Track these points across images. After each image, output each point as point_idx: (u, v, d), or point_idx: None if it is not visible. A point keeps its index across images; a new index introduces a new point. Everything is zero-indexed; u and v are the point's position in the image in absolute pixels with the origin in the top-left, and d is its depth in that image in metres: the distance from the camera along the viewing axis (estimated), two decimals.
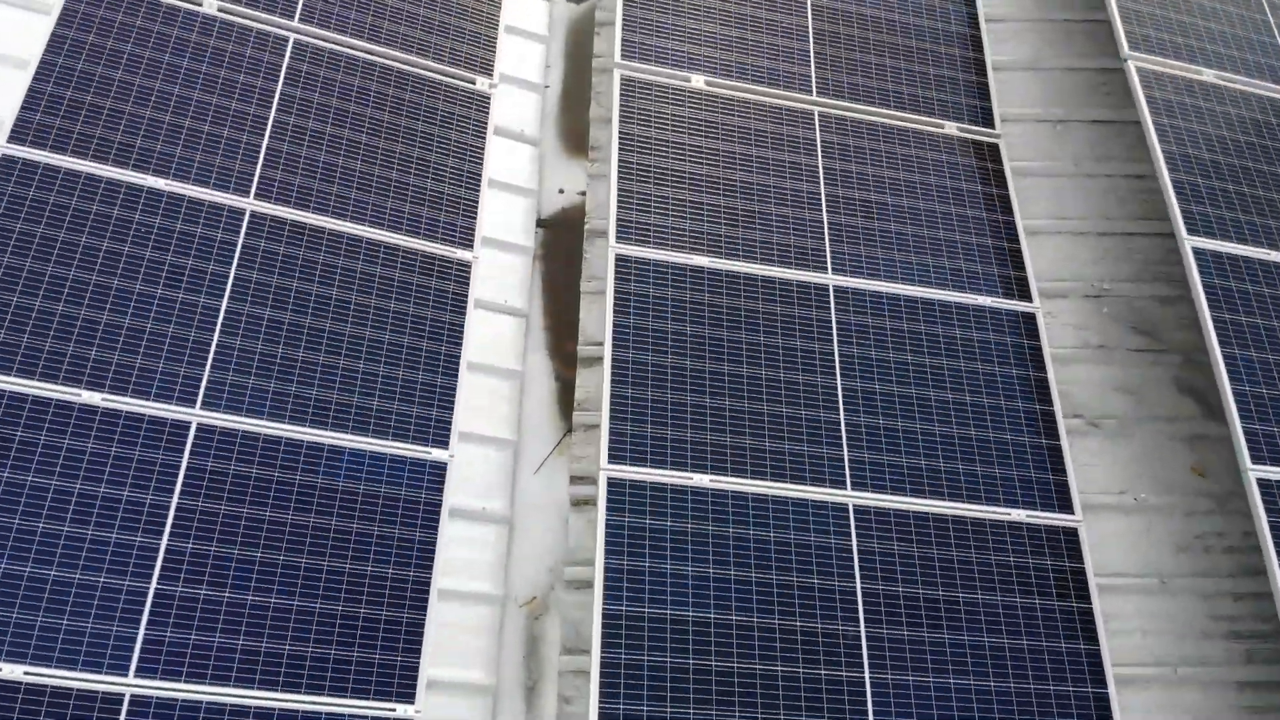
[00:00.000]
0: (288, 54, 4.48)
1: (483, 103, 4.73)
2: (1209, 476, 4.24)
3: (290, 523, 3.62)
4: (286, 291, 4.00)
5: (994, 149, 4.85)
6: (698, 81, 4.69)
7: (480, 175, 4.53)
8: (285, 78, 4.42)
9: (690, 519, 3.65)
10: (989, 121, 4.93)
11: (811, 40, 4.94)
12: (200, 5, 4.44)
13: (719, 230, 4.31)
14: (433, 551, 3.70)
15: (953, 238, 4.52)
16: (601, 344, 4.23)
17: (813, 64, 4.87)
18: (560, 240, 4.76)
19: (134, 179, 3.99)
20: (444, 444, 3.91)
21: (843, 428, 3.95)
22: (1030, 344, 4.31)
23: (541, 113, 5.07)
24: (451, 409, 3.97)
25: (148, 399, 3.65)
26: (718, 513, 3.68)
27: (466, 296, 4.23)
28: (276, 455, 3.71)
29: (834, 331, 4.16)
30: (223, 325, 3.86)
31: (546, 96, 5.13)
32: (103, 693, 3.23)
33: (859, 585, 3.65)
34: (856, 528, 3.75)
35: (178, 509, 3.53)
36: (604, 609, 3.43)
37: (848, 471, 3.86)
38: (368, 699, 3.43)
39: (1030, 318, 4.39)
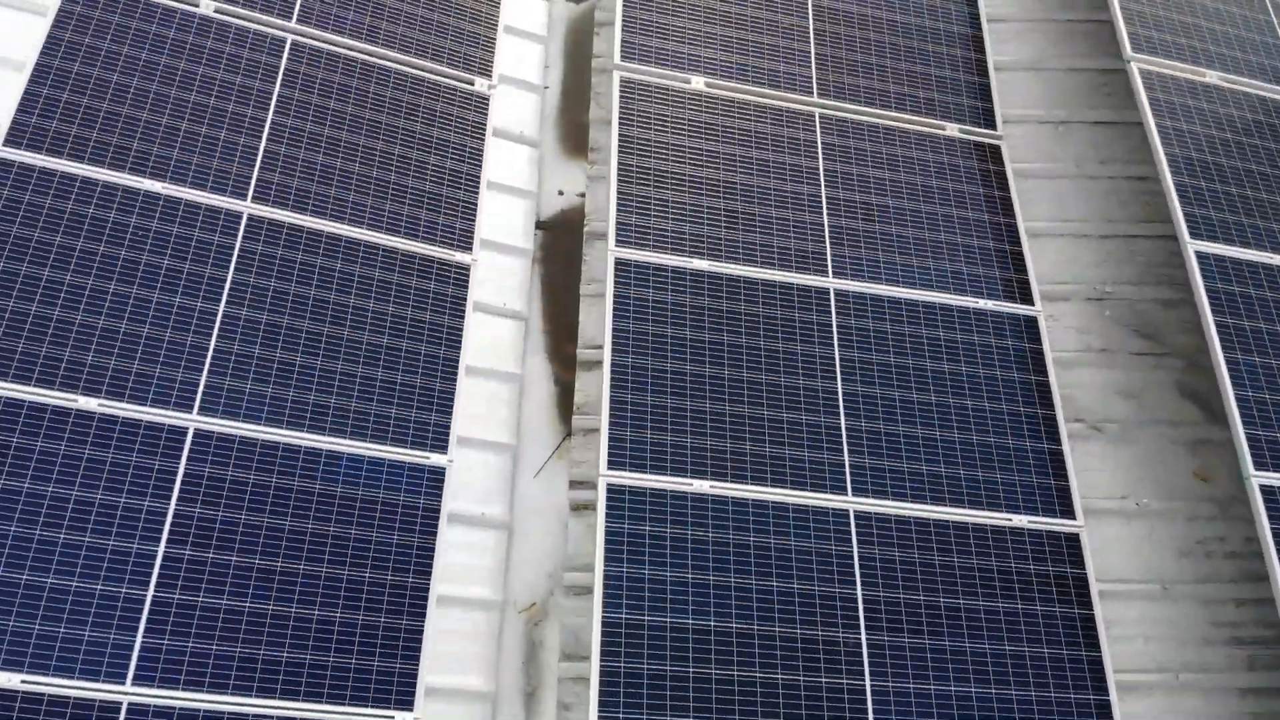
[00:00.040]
0: (285, 55, 4.46)
1: (481, 104, 4.70)
2: (1211, 481, 4.22)
3: (288, 529, 3.60)
4: (284, 295, 3.97)
5: (995, 150, 4.83)
6: (698, 83, 4.66)
7: (479, 177, 4.50)
8: (283, 79, 4.39)
9: (690, 525, 3.63)
10: (990, 123, 4.90)
11: (812, 41, 4.91)
12: (197, 6, 4.41)
13: (719, 233, 4.29)
14: (431, 557, 3.68)
15: (954, 240, 4.50)
16: (601, 347, 4.20)
17: (813, 65, 4.84)
18: (560, 242, 4.74)
19: (130, 182, 3.97)
20: (442, 449, 3.89)
21: (843, 432, 3.93)
22: (1032, 348, 4.29)
23: (541, 113, 5.04)
24: (450, 413, 3.95)
25: (144, 404, 3.63)
26: (718, 519, 3.66)
27: (465, 300, 4.21)
28: (274, 460, 3.69)
29: (834, 335, 4.14)
30: (220, 330, 3.84)
31: (546, 97, 5.11)
32: (100, 701, 3.21)
33: (860, 591, 3.64)
34: (857, 533, 3.73)
35: (175, 515, 3.52)
36: (603, 617, 3.41)
37: (848, 477, 3.85)
38: (366, 706, 3.41)
39: (1032, 321, 4.36)
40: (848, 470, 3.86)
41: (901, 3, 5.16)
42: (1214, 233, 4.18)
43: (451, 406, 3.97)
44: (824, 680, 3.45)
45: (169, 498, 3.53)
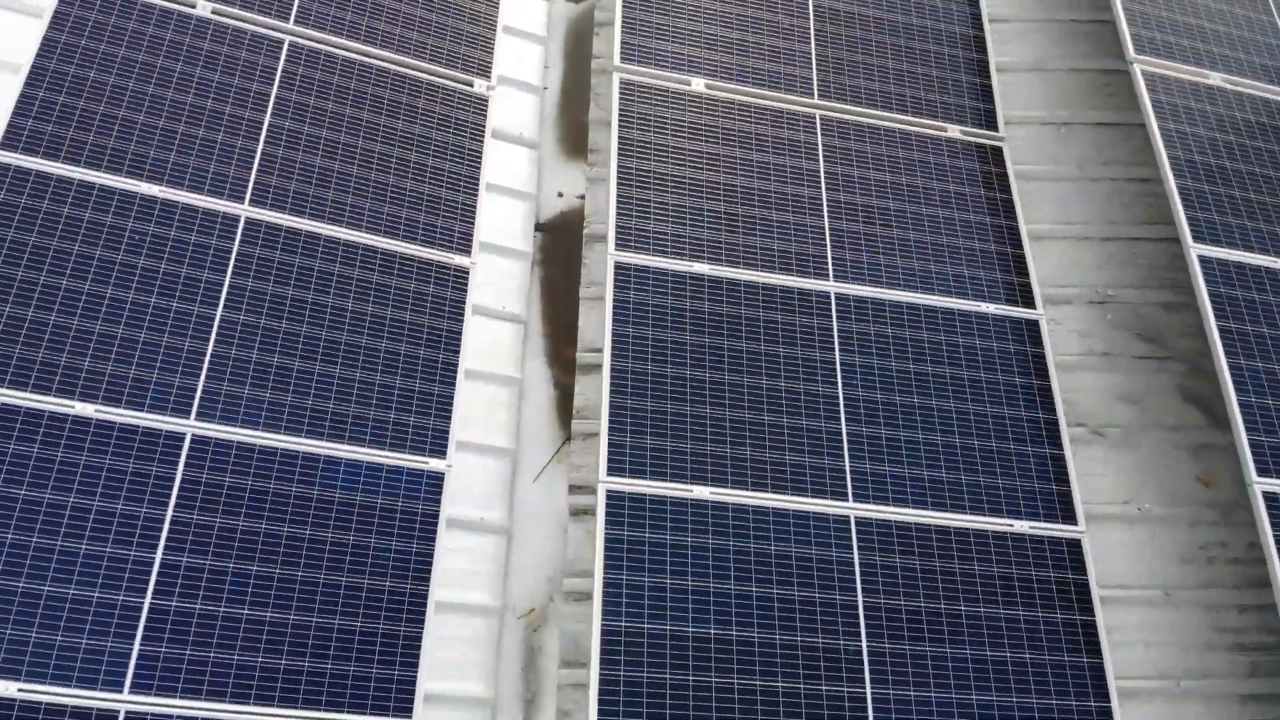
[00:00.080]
0: (283, 57, 4.43)
1: (480, 105, 4.68)
2: (1214, 486, 4.20)
3: (286, 535, 3.58)
4: (282, 299, 3.95)
5: (997, 152, 4.80)
6: (698, 85, 4.63)
7: (478, 179, 4.48)
8: (280, 81, 4.37)
9: (690, 532, 3.62)
10: (992, 124, 4.87)
11: (813, 42, 4.88)
12: (194, 7, 4.38)
13: (719, 237, 4.27)
14: (430, 563, 3.67)
15: (955, 243, 4.47)
16: (601, 350, 4.18)
17: (814, 66, 4.81)
18: (559, 244, 4.71)
19: (127, 185, 3.95)
20: (441, 453, 3.87)
21: (844, 438, 3.91)
22: (1034, 351, 4.27)
23: (540, 114, 5.01)
24: (449, 418, 3.94)
25: (142, 410, 3.61)
26: (718, 526, 3.65)
27: (464, 303, 4.19)
28: (272, 466, 3.67)
29: (835, 339, 4.12)
30: (217, 334, 3.82)
31: (545, 97, 5.08)
32: (97, 709, 3.20)
33: (860, 599, 3.62)
34: (858, 540, 3.72)
35: (172, 522, 3.50)
36: (603, 625, 3.39)
37: (849, 483, 3.83)
38: (364, 713, 3.40)
39: (1034, 325, 4.34)
40: (848, 476, 3.84)
41: (903, 3, 5.13)
42: (1217, 236, 4.16)
43: (450, 411, 3.95)
44: (824, 688, 3.44)
45: (166, 504, 3.52)
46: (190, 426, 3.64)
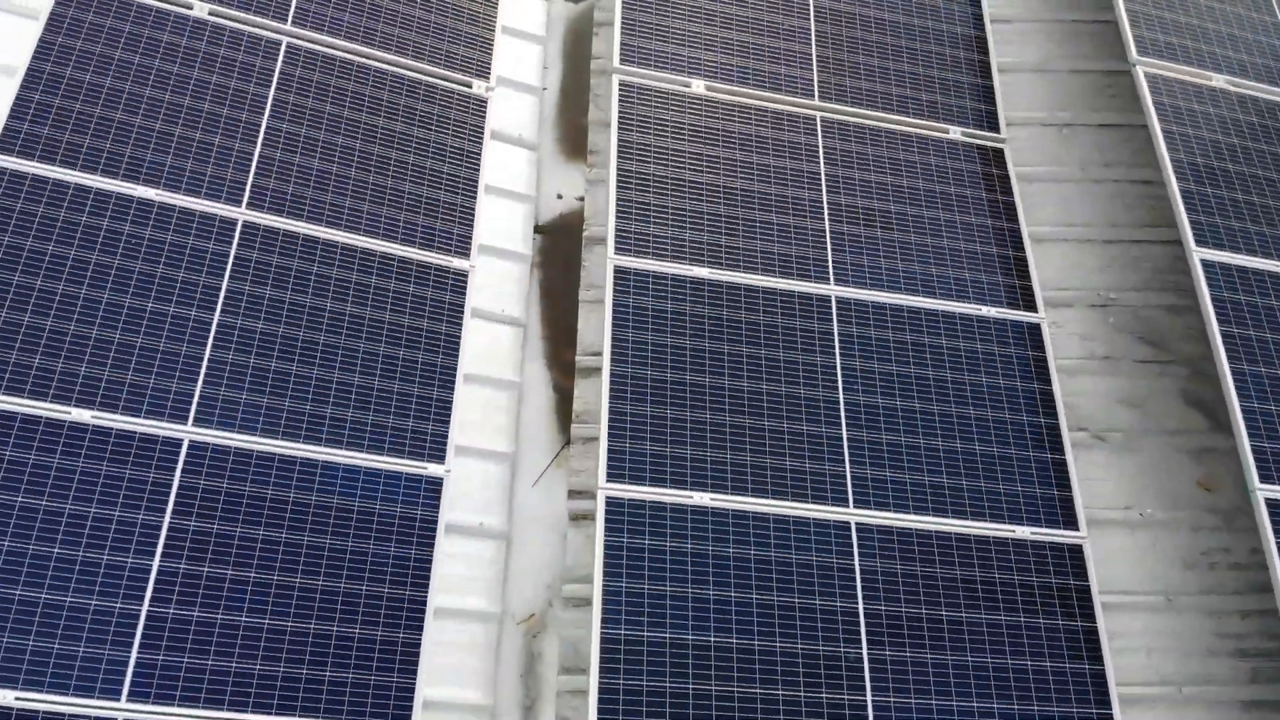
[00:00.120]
0: (280, 58, 4.40)
1: (479, 107, 4.65)
2: (1216, 491, 4.18)
3: (284, 541, 3.57)
4: (280, 304, 3.93)
5: (999, 154, 4.78)
6: (698, 86, 4.60)
7: (477, 181, 4.45)
8: (278, 83, 4.34)
9: (690, 539, 3.60)
10: (994, 126, 4.84)
11: (814, 43, 4.85)
12: (191, 9, 4.35)
13: (719, 240, 4.24)
14: (428, 570, 3.65)
15: (957, 246, 4.45)
16: (600, 354, 4.16)
17: (815, 68, 4.78)
18: (559, 246, 4.69)
19: (124, 189, 3.92)
20: (440, 458, 3.85)
21: (845, 443, 3.89)
22: (1035, 356, 4.25)
23: (539, 115, 4.99)
24: (447, 422, 3.92)
25: (139, 416, 3.59)
26: (718, 532, 3.63)
27: (463, 306, 4.17)
28: (270, 472, 3.65)
29: (836, 344, 4.09)
30: (215, 339, 3.80)
31: (544, 98, 5.05)
32: (95, 717, 3.18)
33: (861, 606, 3.60)
34: (859, 546, 3.70)
35: (170, 528, 3.48)
36: (602, 633, 3.38)
37: (850, 488, 3.81)
38: None
39: (1035, 329, 4.32)
40: (849, 481, 3.82)
41: (904, 4, 5.10)
42: (1220, 240, 4.13)
43: (449, 415, 3.93)
44: (825, 696, 3.43)
45: (164, 511, 3.50)
46: (187, 432, 3.62)
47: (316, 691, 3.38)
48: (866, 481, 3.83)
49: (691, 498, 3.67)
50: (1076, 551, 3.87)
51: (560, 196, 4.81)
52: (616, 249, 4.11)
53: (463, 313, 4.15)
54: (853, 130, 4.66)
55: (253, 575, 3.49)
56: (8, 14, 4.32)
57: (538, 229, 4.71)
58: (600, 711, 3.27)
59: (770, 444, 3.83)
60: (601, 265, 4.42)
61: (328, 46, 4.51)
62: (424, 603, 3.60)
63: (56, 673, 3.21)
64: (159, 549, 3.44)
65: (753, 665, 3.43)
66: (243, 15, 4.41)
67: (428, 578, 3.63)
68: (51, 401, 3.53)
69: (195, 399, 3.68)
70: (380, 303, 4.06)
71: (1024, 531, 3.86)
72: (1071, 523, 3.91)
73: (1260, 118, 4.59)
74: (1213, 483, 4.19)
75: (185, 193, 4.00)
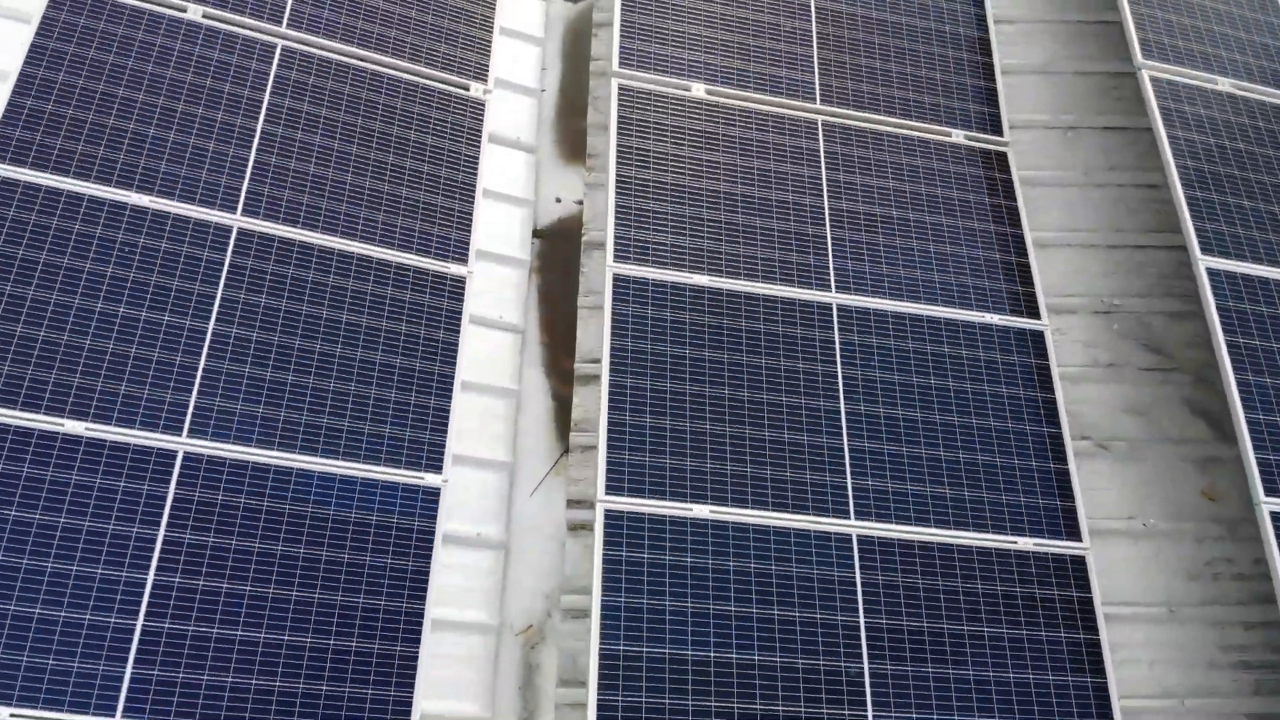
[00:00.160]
0: (275, 61, 4.35)
1: (477, 110, 4.60)
2: (1219, 501, 4.15)
3: (279, 554, 3.54)
4: (275, 312, 3.89)
5: (1002, 158, 4.73)
6: (698, 90, 4.55)
7: (474, 186, 4.41)
8: (273, 87, 4.29)
9: (690, 552, 3.57)
10: (997, 129, 4.79)
11: (815, 45, 4.80)
12: (184, 12, 4.30)
13: (719, 247, 4.20)
14: (425, 581, 3.62)
15: (959, 252, 4.41)
16: (599, 361, 4.13)
17: (816, 70, 4.73)
18: (557, 251, 4.65)
19: (117, 196, 3.88)
20: (437, 468, 3.82)
21: (846, 453, 3.86)
22: (1039, 363, 4.21)
23: (538, 117, 4.93)
24: (445, 432, 3.88)
25: (133, 427, 3.56)
26: (718, 545, 3.60)
27: (460, 313, 4.13)
28: (265, 484, 3.62)
29: (837, 352, 4.05)
30: (209, 348, 3.76)
31: (543, 100, 5.00)
32: None
33: (862, 619, 3.57)
34: (860, 559, 3.67)
35: (164, 542, 3.45)
36: (601, 649, 3.35)
37: (851, 500, 3.78)
38: None
39: (1039, 336, 4.28)
40: (850, 493, 3.79)
41: (906, 5, 5.04)
42: (1226, 248, 4.09)
43: (446, 425, 3.89)
44: (825, 711, 3.40)
45: (158, 523, 3.47)
46: (182, 444, 3.59)
47: (313, 706, 3.36)
48: (868, 492, 3.79)
49: (691, 510, 3.64)
50: (1079, 563, 3.84)
51: (559, 200, 4.77)
52: (615, 257, 4.07)
53: (460, 319, 4.11)
54: (854, 134, 4.61)
55: (248, 588, 3.46)
56: (0, 18, 4.27)
57: (536, 233, 4.66)
58: None
59: (770, 455, 3.80)
60: (600, 271, 4.37)
61: (323, 49, 4.46)
62: (421, 615, 3.57)
63: (51, 689, 3.18)
64: (154, 562, 3.41)
65: (753, 681, 3.40)
66: (237, 18, 4.36)
67: (425, 590, 3.61)
68: (45, 413, 3.49)
69: (190, 410, 3.65)
70: (377, 310, 4.02)
71: (1026, 543, 3.83)
72: (1074, 533, 3.88)
73: (1266, 122, 4.54)
74: (1216, 492, 4.16)
75: (180, 199, 3.96)
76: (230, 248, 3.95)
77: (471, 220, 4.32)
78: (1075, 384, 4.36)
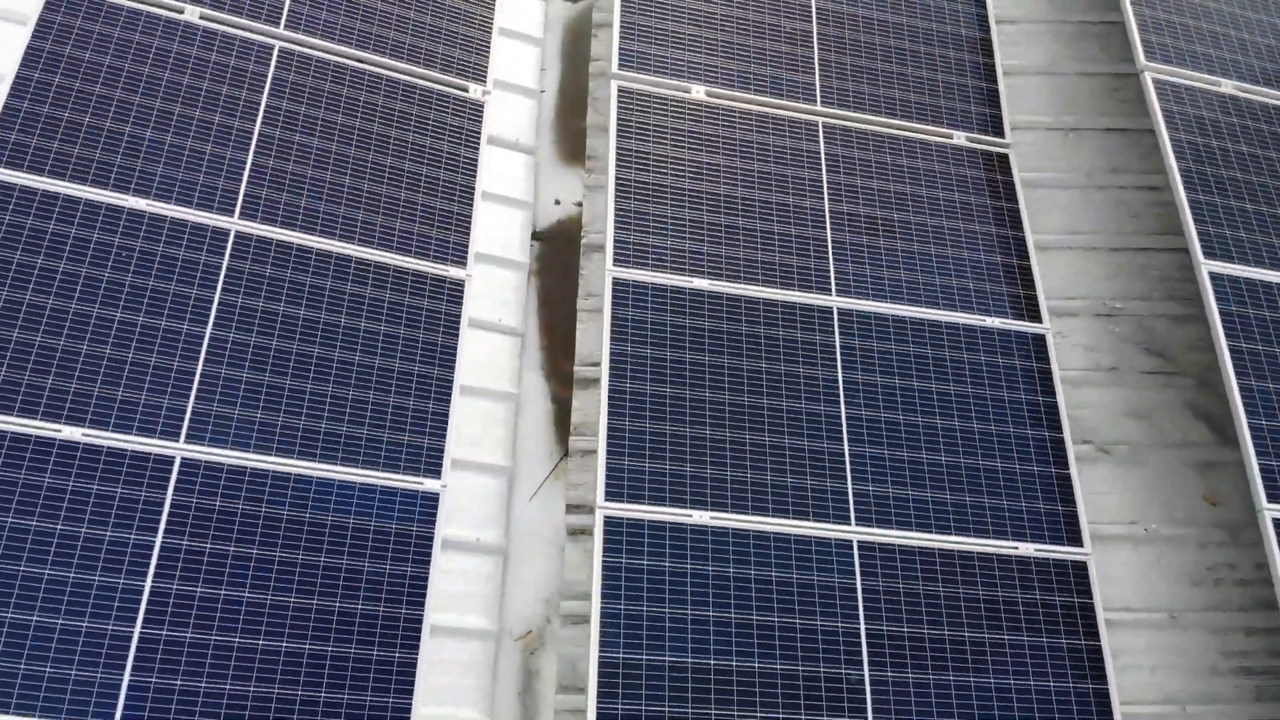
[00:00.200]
0: (273, 63, 4.32)
1: (476, 111, 4.57)
2: (1221, 505, 4.13)
3: (278, 560, 3.52)
4: (273, 316, 3.87)
5: (1004, 160, 4.70)
6: (698, 92, 4.52)
7: (473, 188, 4.38)
8: (270, 89, 4.26)
9: (690, 559, 3.55)
10: (999, 130, 4.77)
11: (816, 46, 4.77)
12: (181, 13, 4.27)
13: (719, 251, 4.18)
14: (424, 587, 3.60)
15: (960, 255, 4.39)
16: (598, 365, 4.11)
17: (817, 71, 4.70)
18: (557, 253, 4.63)
19: (114, 200, 3.86)
20: (436, 473, 3.80)
21: (847, 459, 3.84)
22: (1040, 367, 4.19)
23: (537, 118, 4.91)
24: (444, 436, 3.87)
25: (130, 433, 3.54)
26: (718, 552, 3.58)
27: (459, 317, 4.11)
28: (263, 490, 3.60)
29: (838, 357, 4.04)
30: (207, 353, 3.74)
31: (542, 100, 4.97)
32: None
33: (863, 626, 3.56)
34: (861, 565, 3.65)
35: (162, 548, 3.43)
36: (600, 657, 3.34)
37: (852, 505, 3.76)
38: None
39: (1040, 340, 4.26)
40: (851, 499, 3.77)
41: (907, 5, 5.01)
42: (1229, 252, 4.06)
43: (445, 429, 3.88)
44: (826, 719, 3.38)
45: (156, 530, 3.45)
46: (179, 449, 3.57)
47: (312, 712, 3.34)
48: (869, 498, 3.78)
49: (691, 516, 3.62)
50: (1080, 568, 3.82)
51: (558, 202, 4.74)
52: (615, 260, 4.05)
53: (459, 323, 4.10)
54: (855, 136, 4.59)
55: (246, 595, 3.44)
56: None
57: (535, 235, 4.64)
58: None
59: (771, 460, 3.78)
60: (600, 273, 4.35)
61: (321, 51, 4.43)
62: (420, 621, 3.56)
63: (49, 697, 3.17)
64: (151, 569, 3.40)
65: (753, 688, 3.38)
66: (234, 19, 4.33)
67: (424, 596, 3.59)
68: (41, 419, 3.48)
69: (188, 415, 3.63)
70: (375, 314, 4.00)
71: (1028, 548, 3.81)
72: (1075, 539, 3.86)
73: (1270, 124, 4.51)
74: (1218, 497, 4.14)
75: (177, 203, 3.93)
76: (228, 251, 3.93)
77: (470, 223, 4.30)
78: (1076, 388, 4.34)
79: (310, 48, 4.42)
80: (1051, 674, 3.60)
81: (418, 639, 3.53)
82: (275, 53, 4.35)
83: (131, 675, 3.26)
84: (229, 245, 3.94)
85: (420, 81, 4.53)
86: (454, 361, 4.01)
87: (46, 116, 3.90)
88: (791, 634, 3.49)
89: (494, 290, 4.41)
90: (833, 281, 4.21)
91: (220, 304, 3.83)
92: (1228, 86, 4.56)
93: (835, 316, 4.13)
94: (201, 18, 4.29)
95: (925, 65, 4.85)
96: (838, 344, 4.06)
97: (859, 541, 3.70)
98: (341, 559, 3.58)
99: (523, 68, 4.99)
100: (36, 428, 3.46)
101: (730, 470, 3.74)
